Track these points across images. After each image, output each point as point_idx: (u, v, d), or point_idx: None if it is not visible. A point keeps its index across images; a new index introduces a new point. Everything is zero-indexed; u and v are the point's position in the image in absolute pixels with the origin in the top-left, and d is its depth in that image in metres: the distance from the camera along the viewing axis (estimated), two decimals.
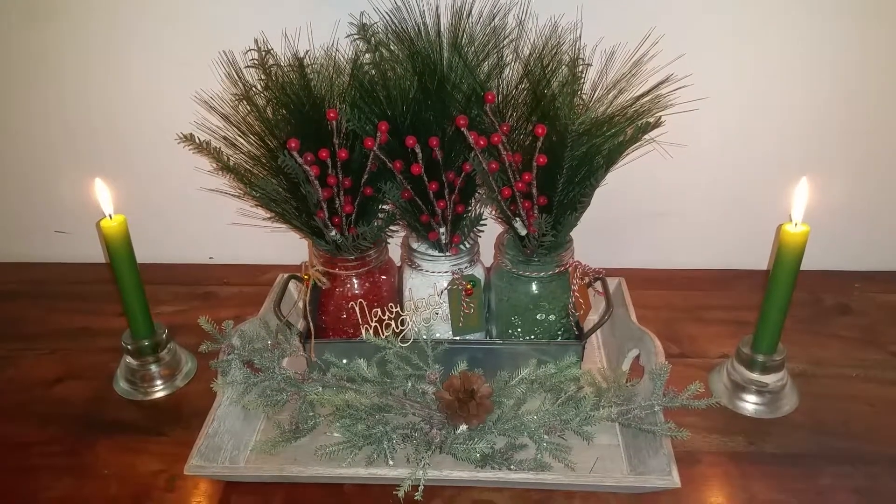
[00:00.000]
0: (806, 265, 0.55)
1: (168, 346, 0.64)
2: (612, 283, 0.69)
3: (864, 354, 0.66)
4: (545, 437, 0.53)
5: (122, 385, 0.64)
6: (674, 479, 0.48)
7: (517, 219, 0.55)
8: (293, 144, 0.46)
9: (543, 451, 0.52)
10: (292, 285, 0.69)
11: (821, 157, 0.73)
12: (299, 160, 0.47)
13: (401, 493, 0.47)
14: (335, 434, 0.55)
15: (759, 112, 0.70)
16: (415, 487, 0.48)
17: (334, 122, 0.49)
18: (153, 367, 0.63)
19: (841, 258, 0.78)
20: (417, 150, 0.49)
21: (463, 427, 0.52)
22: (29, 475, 0.55)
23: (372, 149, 0.49)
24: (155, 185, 0.78)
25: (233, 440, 0.55)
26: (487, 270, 0.63)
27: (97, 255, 0.81)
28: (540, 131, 0.46)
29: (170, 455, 0.56)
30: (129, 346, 0.62)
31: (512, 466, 0.51)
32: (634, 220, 0.78)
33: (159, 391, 0.63)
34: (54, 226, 0.83)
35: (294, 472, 0.51)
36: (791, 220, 0.53)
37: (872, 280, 0.77)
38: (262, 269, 0.81)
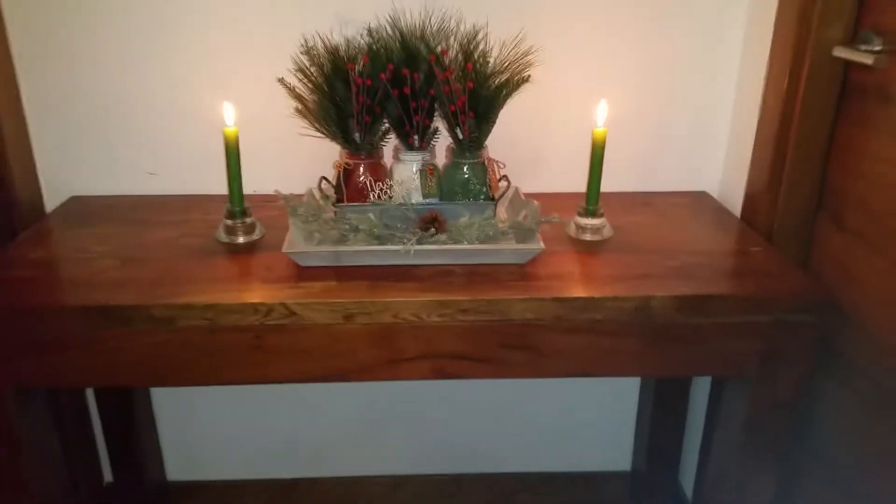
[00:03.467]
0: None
1: (250, 216, 1.06)
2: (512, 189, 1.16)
3: (660, 223, 1.16)
4: (474, 236, 0.98)
5: (221, 235, 1.05)
6: (539, 245, 0.94)
7: (457, 127, 1.02)
8: (356, 73, 0.92)
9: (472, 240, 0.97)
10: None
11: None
12: (353, 75, 0.93)
13: (402, 250, 0.92)
14: (360, 247, 0.98)
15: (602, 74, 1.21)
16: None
17: (354, 70, 0.96)
18: (240, 224, 1.05)
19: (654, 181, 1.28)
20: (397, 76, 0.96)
21: (431, 230, 0.97)
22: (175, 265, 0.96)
23: (384, 81, 0.95)
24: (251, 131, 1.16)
25: (300, 244, 0.98)
26: (442, 166, 1.09)
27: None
28: (469, 66, 0.94)
29: (255, 261, 0.98)
30: (227, 210, 1.04)
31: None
32: (545, 151, 1.25)
33: (242, 238, 1.05)
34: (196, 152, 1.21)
35: (342, 248, 0.94)
36: (598, 126, 1.03)
37: (673, 194, 1.28)
38: None
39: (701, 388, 1.34)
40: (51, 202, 1.22)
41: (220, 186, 1.17)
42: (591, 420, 1.47)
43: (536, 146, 1.23)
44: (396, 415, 1.45)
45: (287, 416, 1.43)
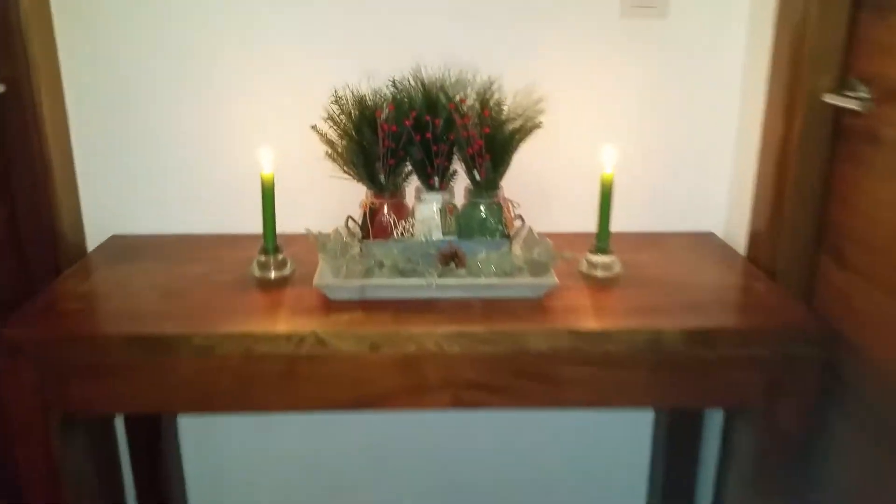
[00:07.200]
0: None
1: (281, 253, 1.13)
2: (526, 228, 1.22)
3: (667, 261, 1.21)
4: (492, 271, 1.04)
5: (254, 271, 1.12)
6: (553, 279, 1.00)
7: (474, 169, 1.09)
8: (382, 120, 1.00)
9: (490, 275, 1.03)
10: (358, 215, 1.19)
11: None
12: (380, 122, 1.01)
13: (425, 284, 0.98)
14: (384, 280, 1.04)
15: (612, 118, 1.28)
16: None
17: (380, 117, 1.04)
18: (272, 260, 1.12)
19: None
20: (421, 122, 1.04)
21: (452, 265, 1.03)
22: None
23: (407, 127, 1.03)
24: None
25: (329, 278, 1.04)
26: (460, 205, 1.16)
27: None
28: (486, 112, 1.01)
29: (287, 294, 1.04)
30: (261, 248, 1.11)
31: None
32: (556, 192, 1.31)
33: (274, 274, 1.11)
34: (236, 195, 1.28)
35: (368, 282, 1.00)
36: (606, 170, 1.09)
37: (679, 234, 1.34)
38: None
39: (713, 428, 1.37)
40: (92, 241, 1.30)
41: (250, 225, 1.24)
42: (604, 462, 1.50)
43: (547, 187, 1.30)
44: (407, 450, 1.48)
45: (304, 450, 1.47)
